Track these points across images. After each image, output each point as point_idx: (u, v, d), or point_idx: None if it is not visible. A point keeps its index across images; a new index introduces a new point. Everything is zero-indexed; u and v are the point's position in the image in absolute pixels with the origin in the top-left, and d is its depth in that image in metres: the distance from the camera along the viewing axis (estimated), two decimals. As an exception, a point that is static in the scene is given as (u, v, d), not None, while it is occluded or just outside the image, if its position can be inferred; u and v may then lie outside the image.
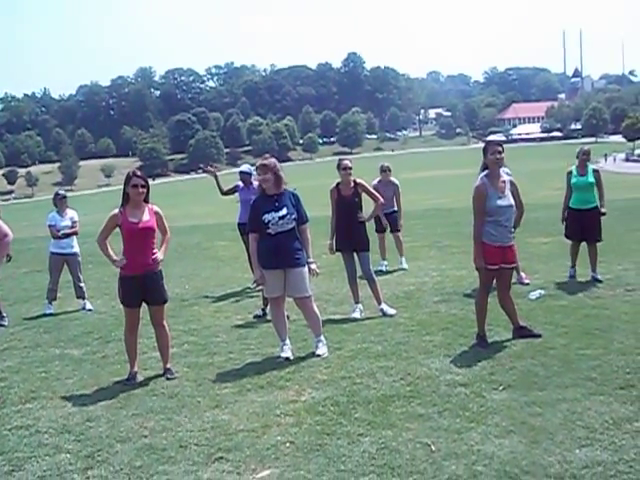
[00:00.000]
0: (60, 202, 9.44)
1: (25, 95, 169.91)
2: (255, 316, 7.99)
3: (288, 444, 4.25)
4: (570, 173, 8.84)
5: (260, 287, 8.84)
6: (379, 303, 7.62)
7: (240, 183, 9.65)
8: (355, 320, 7.46)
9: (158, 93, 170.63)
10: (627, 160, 70.28)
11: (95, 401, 5.38)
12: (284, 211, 6.06)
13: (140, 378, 5.87)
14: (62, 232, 9.35)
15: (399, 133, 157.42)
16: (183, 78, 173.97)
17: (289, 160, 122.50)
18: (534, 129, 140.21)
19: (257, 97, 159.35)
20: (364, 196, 7.82)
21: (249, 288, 9.79)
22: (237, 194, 9.79)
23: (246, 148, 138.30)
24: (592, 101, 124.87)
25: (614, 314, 6.90)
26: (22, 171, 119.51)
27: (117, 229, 5.85)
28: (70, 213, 9.52)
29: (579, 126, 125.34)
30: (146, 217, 5.82)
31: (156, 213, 5.91)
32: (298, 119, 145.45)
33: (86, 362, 6.62)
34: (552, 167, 48.98)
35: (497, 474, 3.68)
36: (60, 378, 6.12)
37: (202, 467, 4.04)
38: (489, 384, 5.06)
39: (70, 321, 8.69)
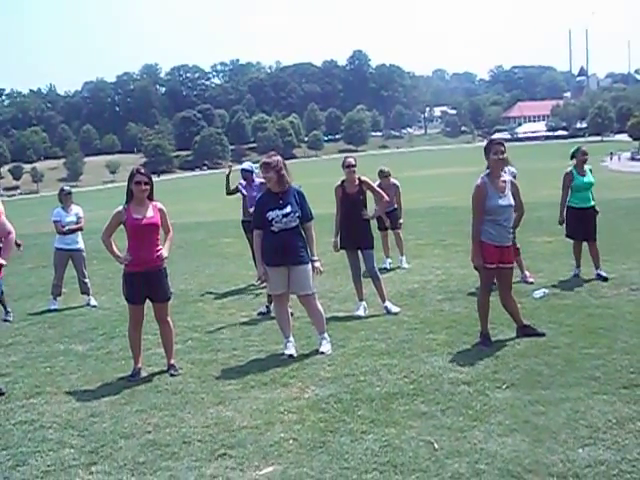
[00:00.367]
0: (65, 198, 9.47)
1: (31, 91, 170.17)
2: (259, 313, 8.00)
3: (291, 441, 4.26)
4: (569, 174, 8.84)
5: (264, 284, 8.87)
6: (383, 301, 7.62)
7: (242, 181, 9.66)
8: (359, 318, 7.47)
9: (163, 90, 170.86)
10: (633, 159, 70.05)
11: (99, 397, 5.40)
12: (288, 209, 6.06)
13: (144, 374, 5.90)
14: (67, 228, 9.38)
15: (404, 131, 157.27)
16: (188, 75, 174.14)
17: (294, 157, 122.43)
18: (539, 128, 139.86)
19: (262, 94, 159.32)
20: (369, 194, 7.82)
21: (253, 285, 9.80)
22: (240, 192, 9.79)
23: (251, 145, 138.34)
24: (598, 100, 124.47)
25: (618, 313, 6.89)
26: (27, 167, 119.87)
27: (122, 226, 5.87)
28: (75, 209, 9.55)
29: (585, 125, 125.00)
30: (150, 214, 5.83)
31: (160, 210, 5.93)
32: (303, 116, 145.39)
33: (90, 358, 6.64)
34: (557, 166, 48.91)
35: (500, 473, 3.69)
36: (64, 373, 6.15)
37: (205, 463, 4.05)
38: (492, 382, 5.06)
39: (74, 317, 8.72)
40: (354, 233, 7.61)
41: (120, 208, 5.84)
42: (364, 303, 7.72)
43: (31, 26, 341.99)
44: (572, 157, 8.95)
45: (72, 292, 9.89)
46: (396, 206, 10.83)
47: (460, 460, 3.85)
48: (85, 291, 9.50)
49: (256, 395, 5.16)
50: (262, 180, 9.44)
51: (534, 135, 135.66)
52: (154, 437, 4.48)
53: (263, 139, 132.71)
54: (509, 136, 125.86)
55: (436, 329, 6.70)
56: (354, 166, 7.62)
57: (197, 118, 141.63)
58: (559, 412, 4.44)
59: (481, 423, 4.34)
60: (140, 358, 6.01)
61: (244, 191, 9.53)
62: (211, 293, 9.61)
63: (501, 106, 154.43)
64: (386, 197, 8.06)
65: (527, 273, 8.74)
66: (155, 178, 6.11)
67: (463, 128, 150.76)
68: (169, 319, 6.08)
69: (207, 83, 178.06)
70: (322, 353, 6.09)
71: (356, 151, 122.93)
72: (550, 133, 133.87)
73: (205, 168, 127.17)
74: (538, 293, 7.89)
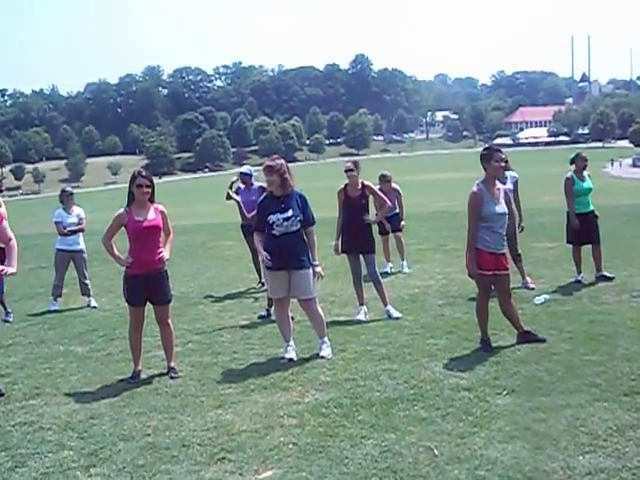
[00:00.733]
0: (67, 199, 9.47)
1: (33, 92, 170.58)
2: (260, 316, 7.99)
3: (291, 445, 4.25)
4: (570, 179, 8.88)
5: (264, 287, 8.86)
6: (385, 305, 7.61)
7: (241, 185, 9.65)
8: (359, 322, 7.45)
9: (166, 92, 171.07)
10: (634, 165, 69.95)
11: (99, 399, 5.39)
12: (289, 213, 6.05)
13: (144, 376, 5.89)
14: (68, 229, 9.38)
15: (406, 135, 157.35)
16: (191, 77, 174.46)
17: (295, 161, 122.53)
18: (541, 133, 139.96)
19: (264, 97, 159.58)
20: (372, 199, 7.80)
21: (254, 288, 9.80)
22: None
23: (253, 148, 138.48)
24: (599, 106, 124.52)
25: (619, 320, 6.87)
26: (29, 167, 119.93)
27: (123, 228, 5.86)
28: (77, 210, 9.55)
29: (586, 131, 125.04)
30: (151, 216, 5.83)
31: (161, 212, 5.93)
32: (305, 120, 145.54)
33: (90, 359, 6.64)
34: (558, 172, 48.88)
35: (500, 479, 3.68)
36: (64, 375, 6.14)
37: (205, 467, 4.04)
38: (493, 389, 5.05)
39: (75, 318, 8.72)
40: (356, 237, 7.59)
41: (121, 210, 5.83)
42: (364, 307, 7.70)
43: (34, 27, 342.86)
44: (572, 162, 8.99)
45: (72, 293, 9.89)
46: (397, 210, 10.83)
47: (460, 466, 3.84)
48: (85, 292, 9.50)
49: (256, 399, 5.15)
50: (261, 184, 9.49)
51: (535, 141, 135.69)
52: (153, 440, 4.47)
53: (265, 142, 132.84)
54: (511, 141, 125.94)
55: (437, 334, 6.69)
56: (352, 170, 7.59)
57: (199, 120, 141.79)
58: (560, 419, 4.43)
59: (481, 429, 4.33)
60: (140, 360, 6.00)
61: (238, 198, 9.52)
62: (212, 296, 9.60)
63: (503, 111, 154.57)
64: (389, 202, 8.05)
65: (528, 279, 8.74)
66: (156, 180, 6.11)
67: (465, 133, 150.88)
68: (170, 321, 6.08)
69: (209, 85, 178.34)
70: (322, 357, 6.08)
71: (357, 155, 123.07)
72: (552, 139, 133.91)
73: (206, 170, 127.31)
74: (539, 299, 7.88)
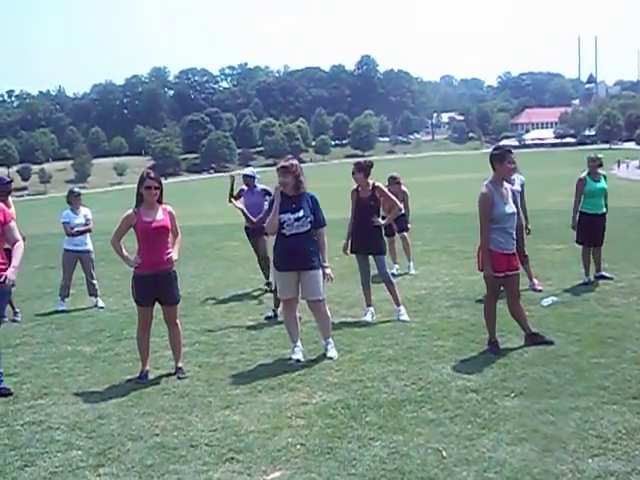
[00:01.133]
0: (75, 199, 9.51)
1: (40, 93, 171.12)
2: (266, 317, 7.99)
3: (299, 446, 4.25)
4: (582, 180, 8.88)
5: (269, 288, 8.88)
6: (398, 305, 7.59)
7: (244, 186, 9.66)
8: (366, 323, 7.45)
9: (172, 93, 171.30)
10: (641, 167, 69.74)
11: (107, 398, 5.41)
12: (300, 213, 6.06)
13: (151, 377, 5.90)
14: (76, 229, 9.41)
15: (412, 136, 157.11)
16: (197, 78, 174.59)
17: (301, 162, 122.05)
18: (547, 134, 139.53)
19: (270, 98, 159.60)
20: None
21: (260, 289, 9.81)
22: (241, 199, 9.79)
23: (258, 149, 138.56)
24: (606, 107, 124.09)
25: (627, 323, 6.85)
26: (36, 168, 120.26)
27: (131, 229, 5.88)
28: (84, 211, 9.59)
29: (593, 132, 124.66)
30: (160, 217, 5.85)
31: (170, 213, 5.95)
32: (311, 121, 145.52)
33: (98, 359, 6.65)
34: (564, 173, 48.73)
35: (509, 481, 3.67)
36: (72, 375, 6.16)
37: (213, 467, 4.05)
38: (501, 391, 5.05)
39: (82, 318, 8.75)
40: (365, 238, 7.57)
41: (130, 211, 5.85)
42: (372, 309, 7.70)
43: (40, 28, 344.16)
44: (601, 164, 8.98)
45: (80, 293, 9.92)
46: (404, 211, 10.81)
47: (468, 468, 3.84)
48: (93, 293, 9.52)
49: (263, 399, 5.16)
50: (264, 186, 9.51)
51: (541, 142, 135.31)
52: (162, 440, 4.49)
53: (270, 143, 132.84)
54: (517, 143, 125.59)
55: (444, 336, 6.68)
56: (353, 173, 7.57)
57: (205, 121, 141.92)
58: (568, 421, 4.42)
59: (490, 431, 4.33)
60: (148, 360, 6.02)
61: (241, 205, 9.53)
62: (218, 296, 9.61)
63: (509, 113, 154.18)
64: (399, 204, 8.01)
65: (535, 281, 8.72)
66: (162, 181, 6.10)
67: (471, 134, 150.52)
68: (178, 322, 6.10)
69: (215, 86, 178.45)
70: (330, 358, 6.08)
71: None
72: (558, 140, 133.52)
73: (212, 171, 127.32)
74: (547, 301, 7.87)
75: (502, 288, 6.28)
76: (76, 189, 9.86)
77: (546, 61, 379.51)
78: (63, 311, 9.19)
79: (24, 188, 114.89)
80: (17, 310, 8.84)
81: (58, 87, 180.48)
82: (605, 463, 3.82)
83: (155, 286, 5.82)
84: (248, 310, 8.62)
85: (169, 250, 5.90)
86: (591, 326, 6.77)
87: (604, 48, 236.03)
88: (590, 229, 8.84)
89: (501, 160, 6.09)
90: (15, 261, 5.56)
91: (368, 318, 7.57)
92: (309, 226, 6.11)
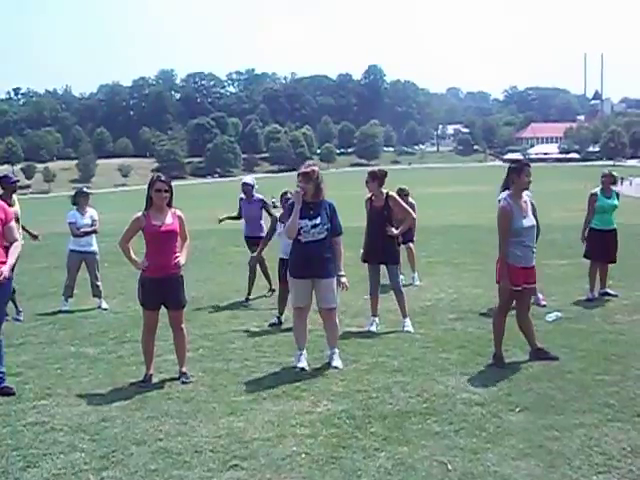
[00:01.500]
0: (83, 199, 9.51)
1: (47, 91, 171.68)
2: (270, 324, 7.99)
3: (304, 455, 4.24)
4: (594, 195, 8.93)
5: (270, 294, 8.87)
6: (404, 316, 7.59)
7: (242, 194, 9.68)
8: (371, 333, 7.44)
9: (178, 96, 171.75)
10: (645, 185, 69.71)
11: (110, 401, 5.39)
12: (318, 220, 6.04)
13: (155, 380, 5.89)
14: (82, 230, 9.41)
15: (416, 147, 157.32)
16: (204, 82, 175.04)
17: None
18: (552, 149, 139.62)
19: (276, 105, 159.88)
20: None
21: (265, 296, 9.81)
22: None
23: (263, 155, 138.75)
24: (611, 124, 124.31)
25: (631, 340, 6.85)
26: (40, 166, 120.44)
27: (140, 232, 5.89)
28: (90, 211, 9.59)
29: (597, 149, 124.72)
30: (169, 220, 5.85)
31: (179, 217, 5.95)
32: (316, 129, 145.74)
33: (101, 361, 6.64)
34: (568, 188, 48.76)
35: (514, 497, 3.66)
36: (75, 376, 6.15)
37: (217, 474, 4.04)
38: (506, 405, 5.04)
39: (85, 319, 8.74)
40: (379, 248, 7.55)
41: (139, 214, 5.86)
42: (377, 319, 7.69)
43: (49, 27, 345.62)
44: (615, 182, 9.09)
45: (83, 294, 9.90)
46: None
47: (474, 482, 3.82)
48: (97, 294, 9.52)
49: (268, 407, 5.14)
50: (261, 197, 9.55)
51: (545, 157, 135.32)
52: (165, 445, 4.47)
53: (275, 149, 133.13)
54: (521, 157, 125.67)
55: (449, 348, 6.67)
56: (367, 182, 7.57)
57: (211, 126, 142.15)
58: (573, 438, 4.41)
59: (494, 446, 4.32)
60: (152, 364, 6.01)
61: (242, 217, 9.60)
62: (222, 302, 9.61)
63: (514, 127, 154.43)
64: (414, 214, 7.96)
65: (540, 295, 8.70)
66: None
67: (475, 147, 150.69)
68: (183, 326, 6.09)
69: (222, 91, 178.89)
70: (335, 368, 6.07)
71: (368, 165, 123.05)
72: (562, 155, 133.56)
73: (217, 176, 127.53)
74: (551, 316, 7.85)
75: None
76: (85, 189, 9.89)
77: (552, 76, 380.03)
78: (66, 311, 9.19)
79: (28, 186, 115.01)
80: (20, 309, 8.83)
81: (65, 86, 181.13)
82: (610, 481, 3.80)
83: (162, 290, 5.82)
84: (252, 316, 8.61)
85: (177, 254, 5.90)
86: (596, 343, 6.76)
87: (610, 65, 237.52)
88: (600, 245, 8.88)
89: (519, 173, 6.10)
90: (11, 259, 5.56)
91: (373, 328, 7.56)
92: (326, 233, 6.09)
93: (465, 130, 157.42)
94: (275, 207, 10.19)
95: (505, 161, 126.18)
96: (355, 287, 9.39)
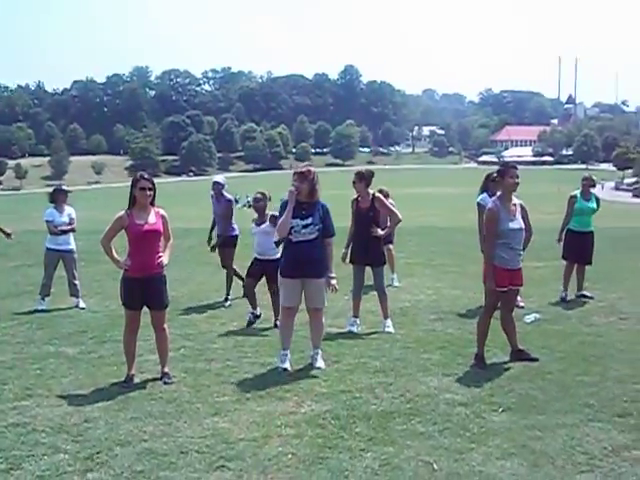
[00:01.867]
0: (61, 197, 9.39)
1: (19, 86, 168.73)
2: (248, 323, 7.97)
3: (290, 455, 4.24)
4: (574, 197, 9.08)
5: (229, 303, 8.79)
6: (385, 317, 7.63)
7: (212, 192, 9.63)
8: (352, 334, 7.47)
9: (153, 93, 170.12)
10: (617, 189, 70.94)
11: (92, 402, 5.33)
12: (309, 220, 6.04)
13: (137, 381, 5.84)
14: (60, 228, 9.30)
15: (392, 148, 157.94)
16: (179, 80, 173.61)
17: (280, 169, 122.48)
18: (526, 152, 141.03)
19: (252, 103, 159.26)
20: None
21: (239, 297, 9.79)
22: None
23: (239, 154, 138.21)
24: (584, 128, 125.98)
25: (609, 342, 6.97)
26: (11, 163, 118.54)
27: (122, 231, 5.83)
28: (68, 210, 9.47)
29: (570, 152, 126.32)
30: (152, 220, 5.81)
31: (162, 216, 5.92)
32: (292, 128, 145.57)
33: (81, 361, 6.57)
34: (542, 191, 49.33)
35: (500, 497, 3.70)
36: (55, 376, 6.07)
37: (204, 475, 4.02)
38: (489, 405, 5.09)
39: (63, 318, 8.63)
40: (365, 249, 7.59)
41: (122, 213, 5.80)
42: (357, 320, 7.72)
43: (22, 21, 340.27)
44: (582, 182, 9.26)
45: (60, 293, 9.76)
46: (389, 223, 10.85)
47: (460, 482, 3.86)
48: (74, 293, 9.40)
49: (252, 407, 5.14)
50: (229, 197, 9.52)
51: (520, 160, 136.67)
52: (150, 446, 4.44)
53: (251, 148, 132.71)
54: (495, 159, 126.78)
55: (430, 349, 6.72)
56: (354, 182, 7.60)
57: (186, 124, 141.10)
58: (556, 438, 4.48)
59: (479, 445, 4.37)
60: (134, 365, 5.96)
61: (214, 207, 9.54)
62: (202, 302, 9.57)
63: (489, 129, 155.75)
64: (399, 215, 8.01)
65: (519, 297, 8.80)
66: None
67: (450, 149, 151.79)
68: (165, 327, 6.04)
69: (197, 89, 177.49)
70: (318, 368, 6.08)
71: (343, 165, 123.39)
72: (536, 158, 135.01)
73: (191, 174, 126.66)
74: (529, 318, 7.95)
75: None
76: (64, 186, 9.76)
77: (527, 80, 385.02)
78: (43, 310, 9.05)
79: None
80: (-4, 308, 8.69)
81: (37, 82, 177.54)
82: (593, 480, 3.87)
83: (144, 290, 5.77)
84: (232, 316, 8.58)
85: (160, 254, 5.86)
86: (574, 344, 6.86)
87: (584, 70, 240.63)
88: (577, 246, 9.05)
89: (503, 175, 6.19)
90: None
91: (354, 329, 7.58)
92: (317, 234, 6.09)
93: (440, 132, 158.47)
94: (250, 207, 10.22)
95: (480, 163, 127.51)
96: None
